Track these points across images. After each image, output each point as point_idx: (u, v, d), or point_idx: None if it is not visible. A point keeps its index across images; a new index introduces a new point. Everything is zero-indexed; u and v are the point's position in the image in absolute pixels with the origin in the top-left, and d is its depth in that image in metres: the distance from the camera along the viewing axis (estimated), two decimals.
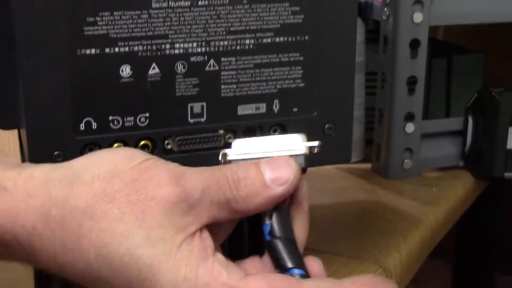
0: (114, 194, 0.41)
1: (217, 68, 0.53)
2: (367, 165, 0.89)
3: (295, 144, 0.46)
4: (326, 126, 0.56)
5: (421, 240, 0.73)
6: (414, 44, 0.81)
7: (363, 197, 0.81)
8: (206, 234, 0.42)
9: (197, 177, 0.42)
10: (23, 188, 0.42)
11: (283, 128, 0.56)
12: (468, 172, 0.88)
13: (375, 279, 0.41)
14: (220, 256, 0.41)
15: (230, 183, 0.42)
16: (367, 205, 0.79)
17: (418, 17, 0.80)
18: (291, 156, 0.45)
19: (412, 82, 0.82)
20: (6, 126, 0.55)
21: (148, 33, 0.51)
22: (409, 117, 0.83)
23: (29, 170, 0.43)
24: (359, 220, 0.75)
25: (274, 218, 0.44)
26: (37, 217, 0.41)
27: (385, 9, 0.82)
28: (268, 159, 0.44)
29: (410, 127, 0.84)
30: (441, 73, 0.97)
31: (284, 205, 0.45)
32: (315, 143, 0.46)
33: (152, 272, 0.39)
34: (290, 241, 0.44)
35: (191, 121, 0.53)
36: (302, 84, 0.55)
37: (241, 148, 0.46)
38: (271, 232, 0.44)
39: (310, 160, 0.46)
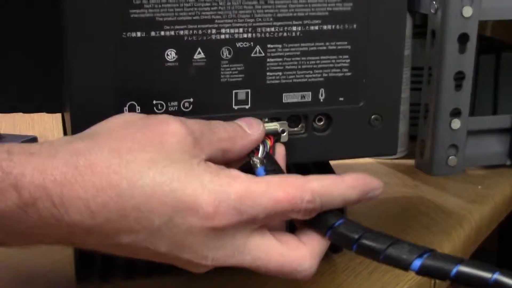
0: (133, 135, 0.45)
1: (263, 54, 0.52)
2: (411, 161, 0.88)
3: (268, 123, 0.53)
4: (373, 117, 0.55)
5: (465, 238, 0.72)
6: (463, 39, 0.80)
7: (406, 193, 0.80)
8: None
9: (195, 123, 0.48)
10: (48, 149, 0.44)
11: (328, 117, 0.55)
12: None
13: (367, 176, 0.49)
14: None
15: (220, 127, 0.49)
16: (410, 201, 0.78)
17: (467, 11, 0.79)
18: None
19: (459, 77, 0.81)
20: (51, 110, 0.55)
21: (194, 17, 0.50)
22: (456, 113, 0.82)
23: (51, 139, 0.46)
24: (401, 216, 0.74)
25: (265, 161, 0.50)
26: (65, 169, 0.43)
27: (434, 2, 0.80)
28: (243, 118, 0.52)
29: (456, 123, 0.82)
30: (489, 69, 0.95)
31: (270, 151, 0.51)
32: (284, 123, 0.53)
33: (181, 181, 0.44)
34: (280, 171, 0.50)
35: (235, 107, 0.53)
36: (349, 74, 0.54)
37: None
38: (266, 169, 0.49)
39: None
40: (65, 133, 0.58)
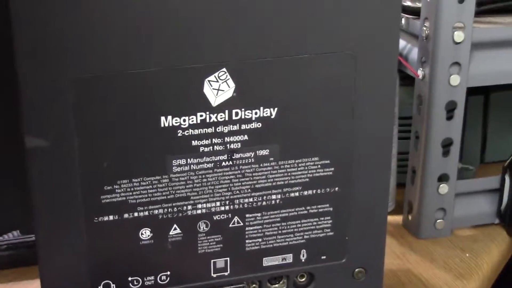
0: None
1: (241, 224, 0.51)
2: (398, 218, 0.87)
3: None
4: (356, 270, 0.54)
5: None
6: (450, 106, 0.77)
7: (393, 265, 0.79)
8: None
9: None
10: None
11: (311, 276, 0.53)
12: (503, 230, 0.85)
13: None
14: None
15: None
16: (397, 276, 0.77)
17: (455, 79, 0.76)
18: None
19: (447, 144, 0.79)
20: None
21: (168, 197, 0.48)
22: (443, 178, 0.80)
23: None
24: None
25: None
26: None
27: (421, 68, 0.77)
28: None
29: (444, 188, 0.81)
30: (478, 110, 0.93)
31: None
32: None
33: None
34: None
35: (214, 275, 0.51)
36: (331, 233, 0.52)
37: None
38: None
39: None
40: None
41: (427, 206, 0.81)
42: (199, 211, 0.49)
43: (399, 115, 0.87)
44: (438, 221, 0.83)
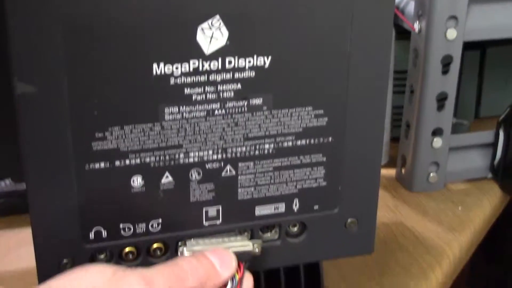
0: None
1: (234, 173, 0.50)
2: (391, 172, 0.87)
3: (241, 242, 0.51)
4: (349, 221, 0.54)
5: (443, 278, 0.72)
6: (446, 60, 0.77)
7: (386, 217, 0.79)
8: None
9: (162, 278, 0.45)
10: None
11: (303, 224, 0.53)
12: (495, 184, 0.85)
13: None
14: None
15: (189, 273, 0.46)
16: (390, 229, 0.77)
17: (452, 33, 0.75)
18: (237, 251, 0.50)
19: (442, 98, 0.78)
20: None
21: (161, 144, 0.48)
22: (437, 132, 0.80)
23: None
24: (380, 253, 0.73)
25: None
26: None
27: (417, 22, 0.76)
28: (213, 250, 0.49)
29: (437, 142, 0.81)
30: (474, 65, 0.93)
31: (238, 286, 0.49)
32: (258, 241, 0.51)
33: None
34: None
35: (206, 224, 0.51)
36: (324, 183, 0.52)
37: (195, 246, 0.51)
38: None
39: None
40: None
41: (420, 160, 0.81)
42: (191, 160, 0.49)
43: (394, 69, 0.86)
44: (431, 174, 0.83)
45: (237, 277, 0.49)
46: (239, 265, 0.49)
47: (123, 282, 0.44)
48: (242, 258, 0.50)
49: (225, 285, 0.48)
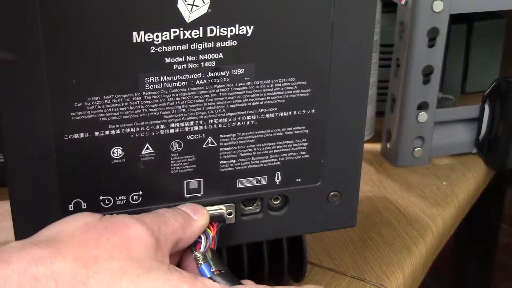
0: (96, 241, 0.43)
1: (215, 144, 0.50)
2: (377, 147, 0.86)
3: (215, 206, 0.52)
4: (331, 194, 0.54)
5: (426, 252, 0.72)
6: (433, 33, 0.76)
7: (370, 192, 0.79)
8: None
9: (149, 218, 0.46)
10: (0, 256, 0.41)
11: (286, 198, 0.53)
12: (480, 159, 0.85)
13: None
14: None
15: (171, 217, 0.47)
16: (373, 203, 0.77)
17: (438, 5, 0.75)
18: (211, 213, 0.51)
19: (428, 72, 0.78)
20: None
21: (141, 115, 0.47)
22: (423, 106, 0.79)
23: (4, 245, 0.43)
24: (364, 225, 0.73)
25: (208, 258, 0.48)
26: (22, 279, 0.40)
27: None
28: (187, 204, 0.50)
29: (423, 117, 0.80)
30: (461, 39, 0.92)
31: (211, 246, 0.49)
32: (231, 206, 0.52)
33: None
34: (228, 273, 0.47)
35: (187, 196, 0.51)
36: (306, 156, 0.52)
37: None
38: (211, 269, 0.47)
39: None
40: None
41: (405, 134, 0.81)
42: (172, 131, 0.48)
43: (381, 43, 0.86)
44: (416, 149, 0.82)
45: (211, 234, 0.48)
46: (212, 225, 0.49)
47: (115, 218, 0.45)
48: (215, 220, 0.50)
49: (199, 240, 0.49)
